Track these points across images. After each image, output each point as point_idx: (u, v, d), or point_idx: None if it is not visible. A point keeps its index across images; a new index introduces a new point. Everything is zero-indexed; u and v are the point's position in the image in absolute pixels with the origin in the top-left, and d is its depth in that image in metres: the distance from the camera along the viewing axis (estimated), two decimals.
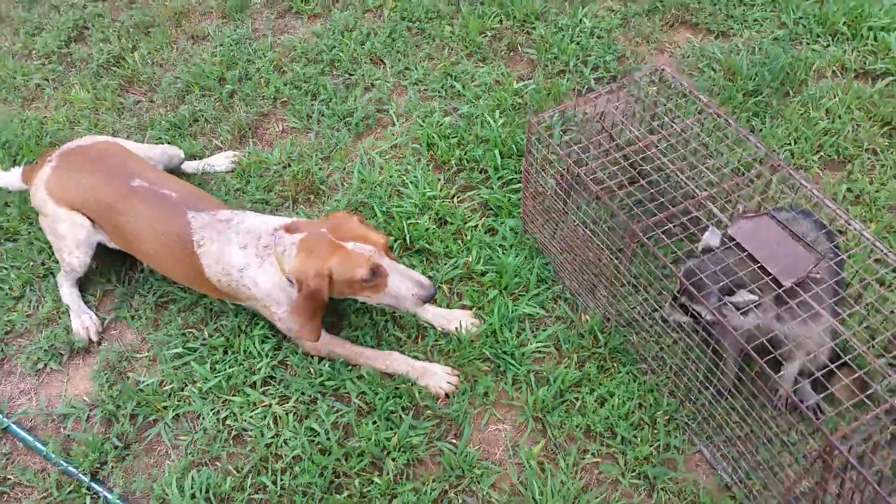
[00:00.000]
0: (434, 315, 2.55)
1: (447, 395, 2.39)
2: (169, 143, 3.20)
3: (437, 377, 2.39)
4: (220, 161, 3.12)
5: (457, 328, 2.51)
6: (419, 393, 2.37)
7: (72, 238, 2.54)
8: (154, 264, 2.58)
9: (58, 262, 2.75)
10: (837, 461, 1.66)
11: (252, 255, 2.33)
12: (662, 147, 2.31)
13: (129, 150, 2.70)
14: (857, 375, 1.92)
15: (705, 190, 2.18)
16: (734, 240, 2.01)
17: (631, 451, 2.25)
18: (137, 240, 2.47)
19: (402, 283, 2.23)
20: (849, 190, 2.82)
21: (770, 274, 1.93)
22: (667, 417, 2.32)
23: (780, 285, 1.91)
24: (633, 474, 2.22)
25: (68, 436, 2.38)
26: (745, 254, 1.98)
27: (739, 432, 2.10)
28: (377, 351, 2.45)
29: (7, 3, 4.15)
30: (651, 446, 2.26)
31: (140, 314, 2.66)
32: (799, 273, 1.92)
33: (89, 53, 3.71)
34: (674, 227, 2.10)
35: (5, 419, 2.41)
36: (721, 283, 1.94)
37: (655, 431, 2.30)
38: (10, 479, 2.29)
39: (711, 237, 2.03)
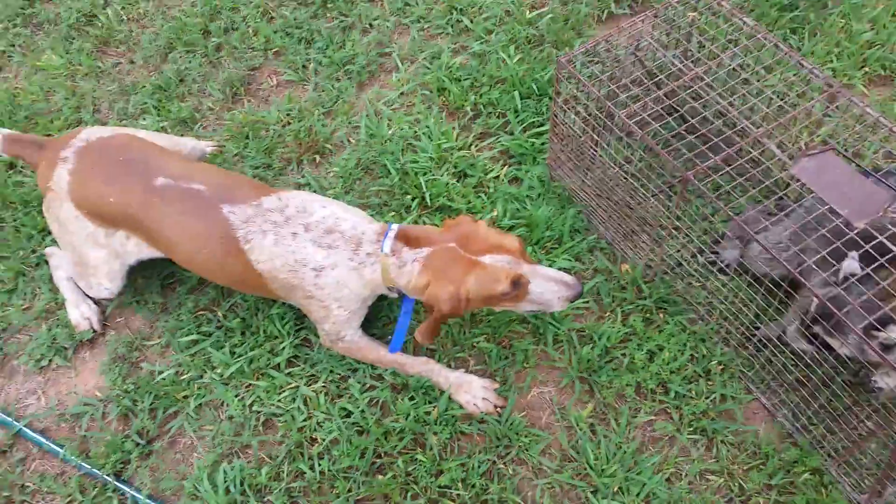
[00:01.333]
0: None
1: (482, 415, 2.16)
2: (155, 107, 2.94)
3: (474, 390, 2.16)
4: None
5: None
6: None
7: (105, 270, 2.27)
8: (194, 268, 2.25)
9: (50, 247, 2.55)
10: None
11: (344, 259, 2.04)
12: (708, 79, 2.09)
13: (150, 141, 2.31)
14: None
15: (759, 126, 1.97)
16: (801, 181, 1.82)
17: (686, 405, 2.13)
18: (174, 244, 2.16)
19: (546, 287, 1.98)
20: None
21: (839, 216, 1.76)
22: (721, 367, 2.19)
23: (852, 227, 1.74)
24: (690, 430, 2.11)
25: (84, 435, 2.22)
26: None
27: (800, 376, 1.97)
28: (412, 358, 2.23)
29: None
30: (707, 399, 2.14)
31: (146, 298, 2.47)
32: (872, 212, 1.75)
33: (56, 13, 3.37)
34: (729, 168, 1.90)
35: (16, 423, 2.24)
36: (868, 320, 1.72)
37: (710, 383, 2.17)
38: (28, 486, 2.15)
39: (851, 265, 1.79)
